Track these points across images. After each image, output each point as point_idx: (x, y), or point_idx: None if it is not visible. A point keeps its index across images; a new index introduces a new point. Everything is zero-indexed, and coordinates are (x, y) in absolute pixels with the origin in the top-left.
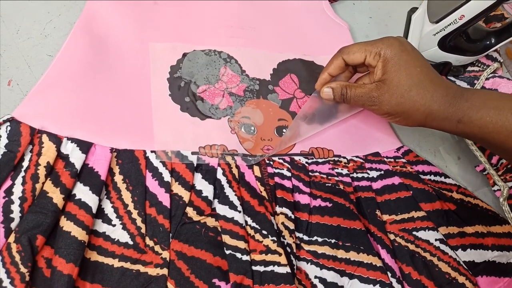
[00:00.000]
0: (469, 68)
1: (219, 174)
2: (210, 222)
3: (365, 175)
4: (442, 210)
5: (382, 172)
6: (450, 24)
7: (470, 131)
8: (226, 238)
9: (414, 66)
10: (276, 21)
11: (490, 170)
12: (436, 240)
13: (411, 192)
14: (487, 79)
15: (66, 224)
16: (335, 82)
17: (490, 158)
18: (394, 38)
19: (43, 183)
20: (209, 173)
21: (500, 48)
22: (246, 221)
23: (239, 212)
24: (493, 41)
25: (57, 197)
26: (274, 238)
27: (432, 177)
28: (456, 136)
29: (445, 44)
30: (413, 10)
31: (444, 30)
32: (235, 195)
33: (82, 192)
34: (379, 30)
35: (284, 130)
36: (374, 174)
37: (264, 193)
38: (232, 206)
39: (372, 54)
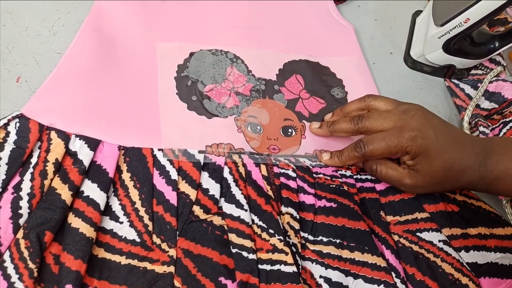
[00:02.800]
0: (473, 71)
1: (226, 173)
2: (217, 220)
3: (369, 177)
4: (446, 211)
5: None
6: (455, 27)
7: (504, 189)
8: (233, 237)
9: (443, 153)
10: (282, 22)
11: None
12: (439, 241)
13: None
14: (490, 82)
15: (74, 221)
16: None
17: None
18: (416, 131)
19: (52, 180)
20: (215, 172)
21: (504, 52)
22: (252, 220)
23: (246, 210)
24: (497, 45)
25: (65, 194)
26: (281, 237)
27: None
28: None
29: (449, 47)
30: (418, 13)
31: (449, 33)
32: (242, 194)
33: (90, 189)
34: (384, 32)
35: (290, 130)
36: None
37: (270, 192)
38: (239, 205)
39: (399, 153)
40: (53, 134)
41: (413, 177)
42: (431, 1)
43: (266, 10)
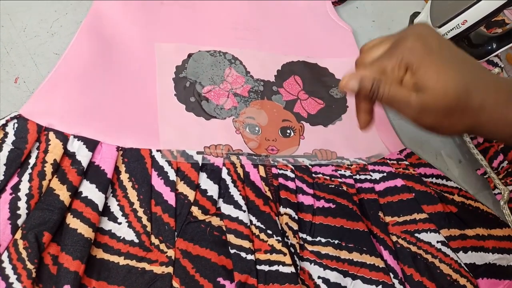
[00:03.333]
0: None
1: (224, 174)
2: (215, 221)
3: (368, 177)
4: (444, 212)
5: (385, 174)
6: (452, 28)
7: None
8: (231, 238)
9: (448, 69)
10: (280, 23)
11: (491, 174)
12: (437, 242)
13: (414, 194)
14: None
15: (72, 222)
16: (365, 72)
17: (491, 161)
18: (415, 36)
19: (50, 180)
20: (214, 173)
21: (501, 53)
22: (251, 221)
23: (244, 211)
24: (494, 46)
25: (63, 194)
26: (279, 238)
27: (434, 180)
28: (458, 139)
29: None
30: (416, 14)
31: (446, 34)
32: (240, 194)
33: (89, 189)
34: (382, 34)
35: (288, 131)
36: (377, 176)
37: (268, 193)
38: (237, 206)
39: (396, 70)
40: (52, 135)
41: (420, 96)
42: (429, 2)
43: (264, 11)
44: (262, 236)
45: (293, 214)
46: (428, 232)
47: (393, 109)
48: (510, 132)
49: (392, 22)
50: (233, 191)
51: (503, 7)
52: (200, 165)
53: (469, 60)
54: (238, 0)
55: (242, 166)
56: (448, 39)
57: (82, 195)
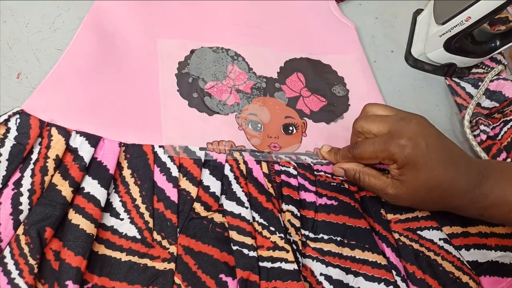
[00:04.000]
0: (474, 70)
1: (227, 170)
2: (217, 217)
3: None
4: None
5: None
6: (456, 25)
7: (497, 217)
8: (233, 234)
9: (432, 169)
10: (283, 20)
11: None
12: (440, 239)
13: None
14: (491, 81)
15: (74, 217)
16: (349, 163)
17: (494, 159)
18: (407, 139)
19: (52, 176)
20: (216, 169)
21: (504, 50)
22: (253, 217)
23: (246, 208)
24: (498, 44)
25: (65, 190)
26: (282, 235)
27: None
28: (461, 137)
29: (450, 45)
30: (419, 11)
31: (450, 31)
32: (243, 191)
33: (91, 185)
34: (385, 31)
35: (290, 128)
36: None
37: (271, 190)
38: (240, 202)
39: (386, 160)
40: (54, 131)
41: (397, 188)
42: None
43: (267, 8)
44: (265, 233)
45: (295, 211)
46: (431, 229)
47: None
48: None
49: (395, 19)
50: (236, 187)
51: (507, 4)
52: (202, 161)
53: (452, 156)
54: None
55: (245, 162)
56: (442, 135)
57: (84, 191)
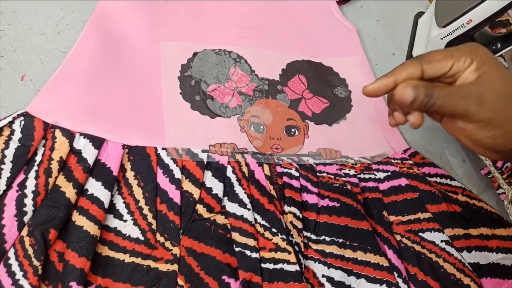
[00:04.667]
0: None
1: (229, 172)
2: (220, 219)
3: (372, 176)
4: (448, 212)
5: (389, 173)
6: (457, 28)
7: None
8: (236, 236)
9: (507, 78)
10: (285, 22)
11: (495, 174)
12: (441, 241)
13: (418, 193)
14: None
15: (78, 219)
16: (413, 81)
17: (495, 161)
18: (476, 44)
19: (56, 178)
20: (219, 171)
21: (505, 53)
22: (255, 219)
23: (249, 210)
24: (499, 46)
25: (69, 192)
26: (284, 236)
27: (438, 179)
28: None
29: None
30: (420, 14)
31: (451, 34)
32: (245, 193)
33: (95, 187)
34: (386, 33)
35: (293, 130)
36: (381, 175)
37: (273, 192)
38: (242, 204)
39: (462, 59)
40: (58, 133)
41: (480, 84)
42: (433, 2)
43: (269, 10)
44: (267, 234)
45: (297, 212)
46: (432, 231)
47: (451, 114)
48: None
49: (396, 22)
50: (238, 189)
51: (508, 7)
52: (205, 163)
53: None
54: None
55: (247, 164)
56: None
57: (88, 193)
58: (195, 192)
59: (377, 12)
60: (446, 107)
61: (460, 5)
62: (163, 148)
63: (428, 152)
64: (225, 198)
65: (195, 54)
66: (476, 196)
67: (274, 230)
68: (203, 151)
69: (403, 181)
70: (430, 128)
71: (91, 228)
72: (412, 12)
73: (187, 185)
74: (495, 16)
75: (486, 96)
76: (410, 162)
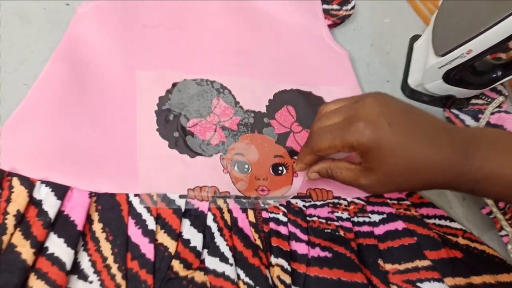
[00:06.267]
0: (473, 101)
1: (210, 221)
2: (199, 276)
3: (367, 219)
4: (448, 258)
5: (385, 215)
6: (456, 58)
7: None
8: None
9: (399, 150)
10: (273, 48)
11: (497, 214)
12: None
13: (416, 238)
14: (492, 113)
15: (36, 284)
16: (319, 163)
17: (496, 201)
18: (364, 122)
19: (12, 235)
20: (198, 219)
21: (506, 81)
22: (238, 275)
23: (231, 265)
24: (499, 74)
25: (26, 252)
26: None
27: (437, 221)
28: None
29: (450, 77)
30: (415, 37)
31: (450, 63)
32: (227, 245)
33: (56, 245)
34: (380, 59)
35: (280, 168)
36: (376, 218)
37: (258, 241)
38: (223, 259)
39: (345, 148)
40: (15, 181)
41: (367, 176)
42: (430, 25)
43: (255, 35)
44: None
45: (285, 265)
46: (432, 281)
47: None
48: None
49: (391, 46)
50: (219, 241)
51: (511, 38)
52: (183, 210)
53: (426, 129)
54: (227, 21)
55: (229, 211)
56: (410, 108)
57: (48, 252)
58: (171, 245)
59: (370, 35)
60: (345, 183)
61: (460, 33)
62: (135, 195)
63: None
64: (205, 250)
65: (174, 84)
66: (477, 238)
67: None
68: (181, 196)
69: (400, 225)
70: None
71: None
72: (407, 35)
73: (162, 237)
74: (497, 46)
75: (374, 186)
76: (407, 202)
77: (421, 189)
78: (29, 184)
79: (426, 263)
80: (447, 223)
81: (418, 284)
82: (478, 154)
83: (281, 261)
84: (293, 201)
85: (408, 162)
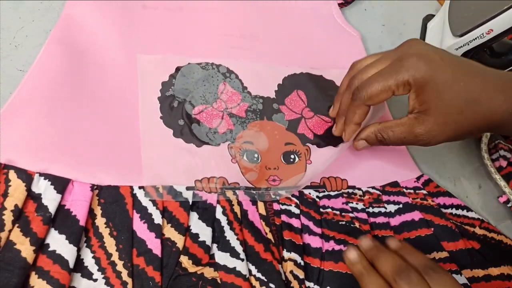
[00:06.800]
0: None
1: (219, 214)
2: (208, 272)
3: (382, 210)
4: (466, 249)
5: (401, 205)
6: (476, 38)
7: None
8: None
9: (457, 81)
10: (281, 29)
11: None
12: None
13: (432, 229)
14: None
15: (37, 284)
16: (365, 130)
17: None
18: (417, 55)
19: (10, 231)
20: (206, 212)
21: None
22: (250, 271)
23: (242, 260)
24: None
25: (26, 250)
26: None
27: (454, 211)
28: (477, 162)
29: (467, 58)
30: (429, 17)
31: (468, 44)
32: (237, 239)
33: (57, 241)
34: (392, 40)
35: (292, 156)
36: (392, 208)
37: (269, 235)
38: (234, 254)
39: (400, 88)
40: (12, 174)
41: (424, 121)
42: (445, 5)
43: (262, 16)
44: None
45: (298, 259)
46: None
47: (407, 144)
48: None
49: (404, 26)
50: (229, 235)
51: None
52: (190, 203)
53: (474, 66)
54: (232, 2)
55: (239, 203)
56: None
57: (49, 249)
58: (179, 240)
59: (383, 15)
60: (401, 144)
61: (479, 12)
62: (140, 187)
63: (442, 178)
64: (214, 245)
65: (178, 69)
66: (494, 228)
67: (271, 285)
68: (188, 188)
69: (416, 215)
70: (443, 151)
71: None
72: (420, 15)
73: (169, 232)
74: None
75: (433, 132)
76: (424, 192)
77: (478, 133)
78: (26, 177)
79: (443, 254)
80: (464, 212)
81: None
82: None
83: (294, 256)
84: (306, 191)
85: (465, 95)
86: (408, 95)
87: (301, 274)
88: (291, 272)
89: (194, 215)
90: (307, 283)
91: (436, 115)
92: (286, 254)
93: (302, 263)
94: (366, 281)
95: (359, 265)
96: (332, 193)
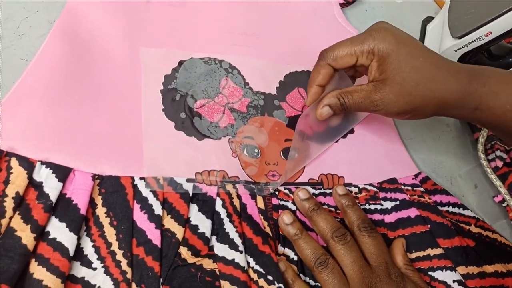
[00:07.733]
0: None
1: (218, 206)
2: (207, 264)
3: (378, 207)
4: (461, 247)
5: (398, 202)
6: (474, 40)
7: (486, 119)
8: (226, 285)
9: (416, 57)
10: (282, 28)
11: (510, 202)
12: (454, 281)
13: (429, 226)
14: None
15: (37, 270)
16: (327, 96)
17: (510, 188)
18: (385, 28)
19: (11, 218)
20: (206, 205)
21: None
22: (248, 263)
23: (241, 252)
24: None
25: (26, 237)
26: (281, 285)
27: (450, 209)
28: (473, 162)
29: (465, 60)
30: (429, 19)
31: (467, 46)
32: (236, 231)
33: (58, 229)
34: None
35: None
36: (388, 205)
37: (268, 229)
38: (233, 246)
39: (364, 55)
40: (14, 162)
41: (380, 89)
42: (445, 7)
43: (265, 14)
44: (262, 282)
45: (292, 254)
46: (444, 270)
47: (367, 112)
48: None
49: (403, 27)
50: (229, 227)
51: None
52: (190, 195)
53: (431, 51)
54: (235, 1)
55: (238, 196)
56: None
57: (50, 237)
58: (179, 231)
59: (383, 16)
60: (360, 110)
61: (479, 15)
62: (141, 178)
63: (438, 176)
64: (214, 237)
65: (180, 63)
66: (489, 227)
67: (269, 277)
68: (188, 180)
69: (412, 212)
70: (440, 151)
71: (53, 282)
72: (419, 17)
73: (169, 223)
74: None
75: (387, 100)
76: (421, 189)
77: (428, 112)
78: (28, 164)
79: (438, 251)
80: (460, 210)
81: (430, 272)
82: (483, 76)
83: (288, 251)
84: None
85: (422, 71)
86: (370, 65)
87: (294, 270)
88: None
89: (194, 207)
90: (302, 277)
91: (392, 85)
92: (280, 249)
93: (296, 258)
94: (301, 243)
95: (293, 227)
96: (328, 191)
